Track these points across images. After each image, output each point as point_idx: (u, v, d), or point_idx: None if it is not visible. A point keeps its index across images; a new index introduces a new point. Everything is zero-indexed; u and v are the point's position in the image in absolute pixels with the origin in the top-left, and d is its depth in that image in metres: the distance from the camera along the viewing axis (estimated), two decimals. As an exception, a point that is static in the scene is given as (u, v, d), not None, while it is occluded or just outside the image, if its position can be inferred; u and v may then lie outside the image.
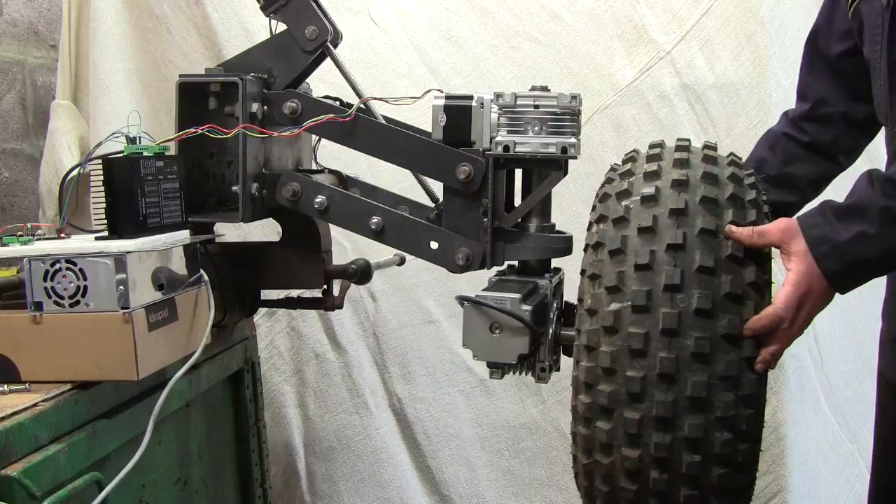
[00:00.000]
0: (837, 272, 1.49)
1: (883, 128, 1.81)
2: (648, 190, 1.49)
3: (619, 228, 1.47)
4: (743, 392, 1.41)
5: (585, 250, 1.53)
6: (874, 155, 2.76)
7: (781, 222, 1.51)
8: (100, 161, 1.60)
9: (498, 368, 1.61)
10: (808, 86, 1.96)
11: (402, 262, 2.21)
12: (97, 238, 1.57)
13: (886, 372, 1.97)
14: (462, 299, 1.57)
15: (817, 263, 1.48)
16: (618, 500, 1.48)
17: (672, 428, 1.40)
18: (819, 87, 1.92)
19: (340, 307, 2.13)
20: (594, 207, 1.58)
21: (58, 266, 1.49)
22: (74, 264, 1.49)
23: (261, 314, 2.78)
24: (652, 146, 1.66)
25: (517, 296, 1.55)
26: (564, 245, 1.75)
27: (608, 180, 1.59)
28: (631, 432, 1.41)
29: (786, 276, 1.50)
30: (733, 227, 1.45)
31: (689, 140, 1.67)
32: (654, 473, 1.42)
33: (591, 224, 1.55)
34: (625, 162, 1.62)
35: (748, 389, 1.42)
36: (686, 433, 1.40)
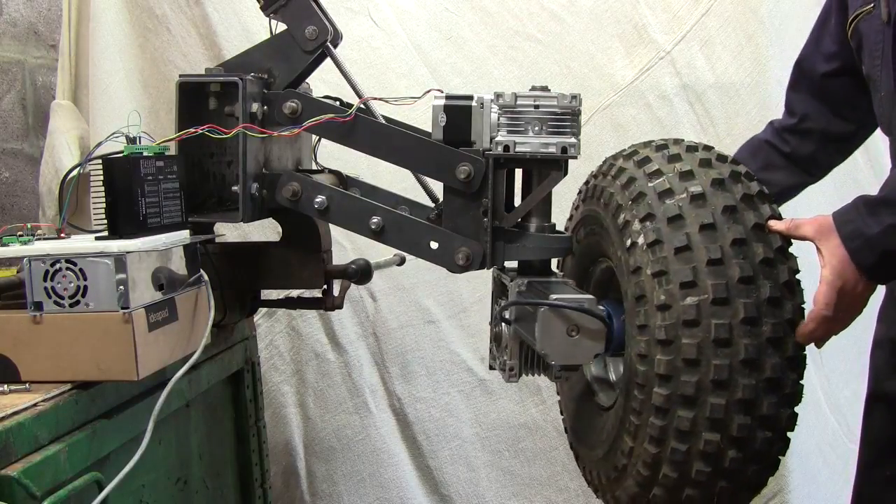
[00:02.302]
0: (872, 265, 1.54)
1: (882, 140, 1.84)
2: (696, 189, 1.56)
3: (676, 227, 1.54)
4: (799, 370, 1.54)
5: (630, 249, 1.57)
6: (873, 155, 2.76)
7: (817, 218, 1.58)
8: (100, 161, 1.60)
9: (570, 370, 1.68)
10: (792, 102, 2.04)
11: (402, 262, 2.21)
12: (97, 238, 1.57)
13: (878, 374, 1.98)
14: (534, 304, 1.56)
15: (851, 257, 1.54)
16: (684, 486, 1.54)
17: (752, 409, 1.50)
18: (803, 104, 2.00)
19: (340, 307, 2.13)
20: (620, 206, 1.62)
21: (58, 266, 1.49)
22: (74, 264, 1.48)
23: (261, 314, 2.78)
24: (659, 147, 1.71)
25: (591, 296, 1.57)
26: (564, 245, 1.75)
27: (630, 179, 1.63)
28: (716, 417, 1.48)
29: (821, 275, 1.57)
30: (774, 221, 1.55)
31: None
32: (731, 453, 1.50)
33: (626, 223, 1.59)
34: (639, 163, 1.66)
35: (803, 368, 1.55)
36: (764, 412, 1.50)
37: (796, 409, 1.55)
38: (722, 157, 1.67)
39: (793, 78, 2.05)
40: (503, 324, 1.70)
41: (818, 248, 1.58)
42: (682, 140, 1.75)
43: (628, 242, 1.59)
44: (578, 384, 1.91)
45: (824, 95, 1.97)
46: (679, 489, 1.55)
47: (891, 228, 1.52)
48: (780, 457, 1.57)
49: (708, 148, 1.70)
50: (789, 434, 1.56)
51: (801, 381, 1.55)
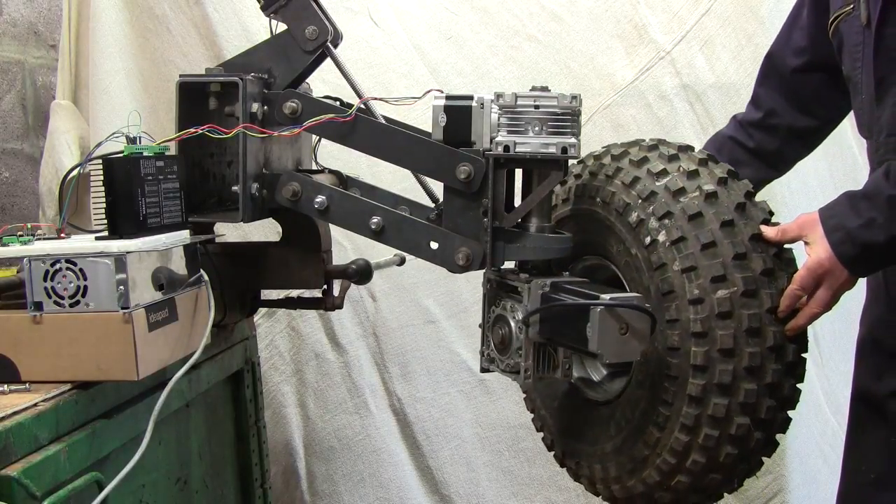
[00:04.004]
0: (852, 257, 1.60)
1: (865, 141, 1.85)
2: (709, 187, 1.63)
3: (698, 223, 1.60)
4: (804, 350, 1.65)
5: (650, 247, 1.61)
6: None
7: (800, 218, 1.64)
8: (100, 161, 1.60)
9: (619, 368, 1.75)
10: (760, 96, 2.04)
11: (402, 262, 2.21)
12: (97, 238, 1.57)
13: (861, 376, 1.97)
14: (587, 305, 1.55)
15: (833, 249, 1.60)
16: (710, 471, 1.62)
17: (777, 391, 1.60)
18: (770, 98, 2.01)
19: (340, 307, 2.13)
20: (629, 205, 1.65)
21: (58, 266, 1.49)
22: (74, 264, 1.49)
23: (261, 314, 2.78)
24: (651, 147, 1.74)
25: (638, 294, 1.60)
26: (565, 245, 1.74)
27: (635, 179, 1.67)
28: (749, 402, 1.57)
29: (804, 262, 1.63)
30: (763, 227, 1.61)
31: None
32: (757, 434, 1.60)
33: (640, 221, 1.63)
34: (638, 163, 1.69)
35: (806, 348, 1.65)
36: (785, 393, 1.61)
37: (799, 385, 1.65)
38: (712, 158, 1.73)
39: (762, 71, 2.06)
40: (517, 325, 1.68)
41: (805, 243, 1.63)
42: (666, 140, 1.79)
43: (647, 240, 1.63)
44: (560, 383, 1.89)
45: (792, 92, 1.98)
46: (705, 474, 1.61)
47: (871, 222, 1.58)
48: (786, 430, 1.68)
49: (692, 148, 1.76)
50: (791, 413, 1.66)
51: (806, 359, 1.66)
